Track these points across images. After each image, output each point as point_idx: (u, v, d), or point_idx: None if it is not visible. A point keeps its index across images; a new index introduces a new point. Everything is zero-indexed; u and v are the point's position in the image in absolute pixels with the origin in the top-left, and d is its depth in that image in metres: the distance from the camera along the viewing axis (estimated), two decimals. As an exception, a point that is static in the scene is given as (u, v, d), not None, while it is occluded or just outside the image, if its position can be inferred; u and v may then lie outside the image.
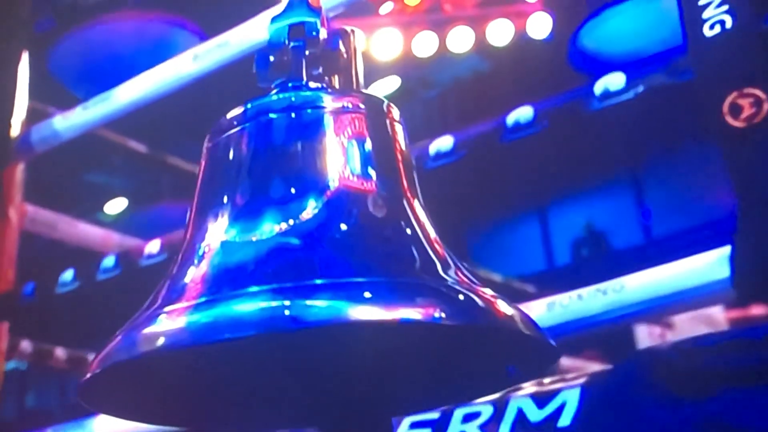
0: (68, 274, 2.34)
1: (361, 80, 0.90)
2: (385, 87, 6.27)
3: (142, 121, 2.72)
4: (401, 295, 0.69)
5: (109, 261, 2.30)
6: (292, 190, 0.77)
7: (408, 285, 0.71)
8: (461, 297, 0.72)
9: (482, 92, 6.33)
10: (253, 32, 2.26)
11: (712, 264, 1.51)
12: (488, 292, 0.75)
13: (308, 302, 0.67)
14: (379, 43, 5.53)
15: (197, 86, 2.42)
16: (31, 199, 2.81)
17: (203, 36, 4.81)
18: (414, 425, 1.36)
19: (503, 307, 0.74)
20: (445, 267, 0.77)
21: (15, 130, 2.68)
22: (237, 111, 0.83)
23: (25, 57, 2.83)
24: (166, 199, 6.60)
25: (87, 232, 3.07)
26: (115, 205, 7.45)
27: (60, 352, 3.20)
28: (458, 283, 0.74)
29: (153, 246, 2.24)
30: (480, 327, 0.73)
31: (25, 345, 3.04)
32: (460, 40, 5.76)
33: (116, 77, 2.64)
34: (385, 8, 5.67)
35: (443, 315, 0.69)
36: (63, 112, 2.67)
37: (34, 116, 2.79)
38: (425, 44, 5.73)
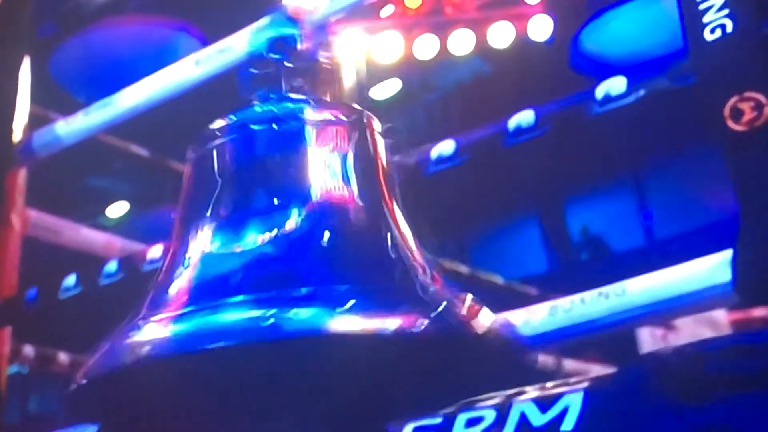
0: (71, 279, 2.35)
1: (349, 90, 0.91)
2: (386, 90, 6.27)
3: (144, 125, 2.72)
4: (380, 306, 0.70)
5: (111, 266, 2.30)
6: (275, 201, 0.78)
7: (387, 296, 0.72)
8: (438, 310, 0.72)
9: (483, 94, 6.34)
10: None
11: (714, 267, 1.51)
12: (469, 303, 0.75)
13: (289, 314, 0.67)
14: (380, 46, 5.53)
15: (199, 91, 2.42)
16: (34, 203, 2.81)
17: (205, 40, 4.82)
18: (417, 430, 1.35)
19: (483, 321, 0.74)
20: (424, 278, 0.77)
21: (17, 136, 2.69)
22: (220, 122, 0.84)
23: (27, 62, 2.83)
24: (168, 203, 6.59)
25: (90, 237, 3.07)
26: (117, 209, 7.45)
27: (63, 357, 3.20)
28: (437, 295, 0.74)
29: (155, 251, 2.24)
30: (459, 336, 0.73)
31: (28, 350, 3.04)
32: (461, 42, 5.76)
33: (118, 82, 2.65)
34: (386, 11, 5.67)
35: (419, 329, 0.69)
36: (65, 117, 2.67)
37: (36, 121, 2.79)
38: (426, 47, 5.73)
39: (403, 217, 0.82)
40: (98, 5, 5.09)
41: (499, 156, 2.01)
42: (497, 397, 1.05)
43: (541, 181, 7.08)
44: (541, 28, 5.77)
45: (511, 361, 0.76)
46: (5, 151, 2.68)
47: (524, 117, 1.85)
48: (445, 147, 1.94)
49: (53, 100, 3.63)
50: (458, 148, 1.93)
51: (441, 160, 1.93)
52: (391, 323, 0.68)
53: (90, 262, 2.61)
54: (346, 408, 0.82)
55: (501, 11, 5.81)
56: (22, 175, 2.72)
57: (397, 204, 0.82)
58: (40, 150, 2.65)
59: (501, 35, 5.76)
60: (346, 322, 0.67)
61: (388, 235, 0.78)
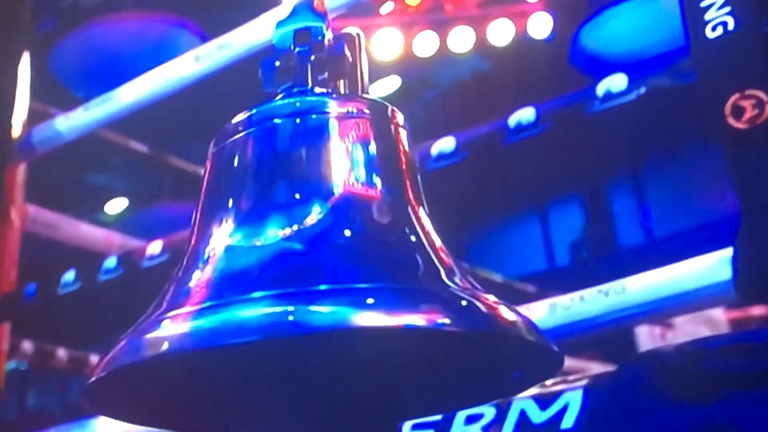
0: (70, 275, 2.34)
1: (366, 84, 0.90)
2: (385, 87, 6.27)
3: (144, 121, 2.72)
4: (405, 301, 0.69)
5: (110, 262, 2.30)
6: (297, 196, 0.77)
7: (412, 291, 0.71)
8: (465, 303, 0.72)
9: (483, 92, 6.34)
10: (255, 34, 2.26)
11: (714, 266, 1.51)
12: (492, 298, 0.75)
13: (312, 308, 0.66)
14: (379, 43, 5.53)
15: (198, 87, 2.42)
16: (32, 199, 2.81)
17: (204, 36, 4.81)
18: (416, 427, 1.35)
19: (507, 313, 0.74)
20: (450, 274, 0.76)
21: (16, 131, 2.69)
22: (242, 116, 0.83)
23: (26, 58, 2.83)
24: (167, 199, 6.60)
25: (89, 233, 3.07)
26: (116, 205, 7.45)
27: (61, 353, 3.20)
28: (462, 290, 0.74)
29: (155, 247, 2.24)
30: (483, 333, 0.72)
31: (27, 345, 3.04)
32: (461, 40, 5.76)
33: (117, 78, 2.64)
34: (386, 8, 5.67)
35: (447, 321, 0.68)
36: (63, 112, 2.67)
37: (35, 117, 2.79)
38: (426, 44, 5.73)
39: (426, 211, 0.82)
40: (98, 1, 5.08)
41: (498, 153, 2.01)
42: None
43: (539, 178, 7.08)
44: (540, 25, 5.77)
45: (541, 352, 0.76)
46: (4, 146, 2.68)
47: (525, 114, 1.85)
48: (446, 144, 1.94)
49: (52, 95, 3.63)
50: (458, 145, 1.93)
51: (441, 157, 1.93)
52: (415, 318, 0.67)
53: (89, 258, 2.61)
54: (368, 403, 0.82)
55: (501, 9, 5.81)
56: (21, 171, 2.72)
57: (422, 199, 0.82)
58: (39, 145, 2.65)
59: (501, 33, 5.76)
60: (369, 317, 0.66)
61: (412, 229, 0.77)
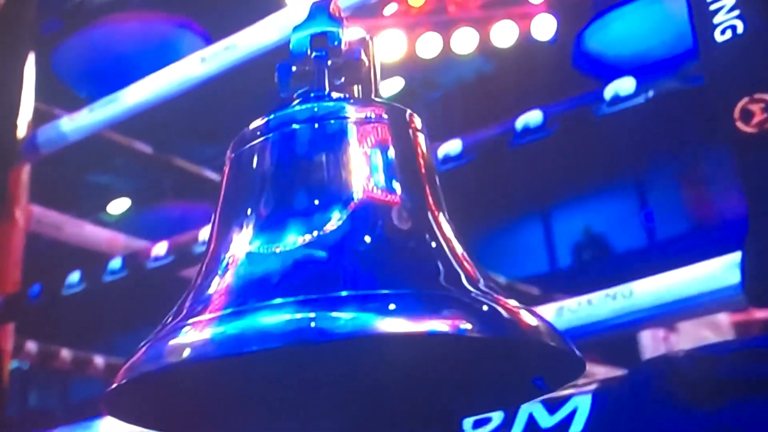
0: (75, 276, 2.34)
1: (379, 89, 0.90)
2: (388, 88, 6.27)
3: (146, 122, 2.72)
4: (427, 307, 0.69)
5: (115, 263, 2.29)
6: (316, 202, 0.77)
7: (434, 297, 0.71)
8: (487, 309, 0.71)
9: (486, 94, 6.33)
10: (261, 36, 2.26)
11: (722, 270, 1.51)
12: (513, 303, 0.74)
13: (334, 314, 0.66)
14: (383, 44, 5.53)
15: (202, 88, 2.42)
16: (36, 199, 2.81)
17: (207, 37, 4.82)
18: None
19: (529, 318, 0.74)
20: (471, 278, 0.76)
21: (21, 132, 2.68)
22: (260, 121, 0.83)
23: (31, 58, 2.83)
24: (169, 199, 6.60)
25: (93, 233, 3.07)
26: (118, 206, 7.46)
27: (65, 353, 3.20)
28: (484, 295, 0.74)
29: (160, 248, 2.23)
30: (506, 339, 0.72)
31: (31, 346, 3.04)
32: (464, 41, 5.76)
33: (120, 78, 2.64)
34: (389, 9, 5.67)
35: (469, 327, 0.68)
36: (67, 112, 2.67)
37: (39, 117, 2.79)
38: (429, 45, 5.73)
39: (446, 215, 0.81)
40: (102, 1, 5.09)
41: (505, 155, 2.00)
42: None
43: (544, 179, 7.08)
44: (544, 27, 5.78)
45: (563, 357, 0.75)
46: (9, 147, 2.68)
47: (532, 117, 1.84)
48: (452, 146, 1.93)
49: (56, 96, 3.63)
50: (465, 147, 1.92)
51: (448, 159, 1.92)
52: (439, 323, 0.67)
53: (94, 259, 2.61)
54: (390, 409, 0.82)
55: (504, 10, 5.81)
56: (25, 172, 2.72)
57: (441, 203, 0.82)
58: (44, 146, 2.65)
59: (504, 34, 5.76)
60: (391, 324, 0.66)
61: (433, 234, 0.77)
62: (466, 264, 0.77)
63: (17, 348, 2.79)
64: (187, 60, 2.40)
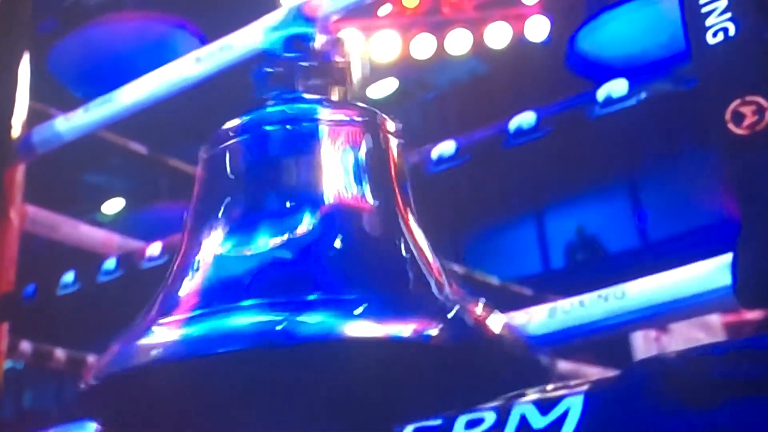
0: (69, 276, 2.34)
1: (357, 89, 0.90)
2: (383, 89, 6.27)
3: (141, 122, 2.72)
4: (394, 311, 0.69)
5: (110, 263, 2.29)
6: (288, 204, 0.77)
7: (400, 301, 0.71)
8: (451, 315, 0.72)
9: (480, 94, 6.35)
10: (256, 36, 2.26)
11: (714, 271, 1.51)
12: (481, 307, 0.75)
13: (301, 318, 0.67)
14: (377, 45, 5.54)
15: (197, 89, 2.42)
16: (30, 199, 2.81)
17: (203, 37, 4.82)
18: (417, 431, 1.35)
19: (494, 325, 0.74)
20: (439, 282, 0.77)
21: (16, 132, 2.68)
22: (233, 122, 0.83)
23: (26, 58, 2.82)
24: (164, 199, 6.60)
25: (88, 233, 3.07)
26: (113, 206, 7.45)
27: (60, 353, 3.20)
28: (451, 300, 0.74)
29: (154, 248, 2.23)
30: (469, 346, 0.73)
31: (25, 345, 3.04)
32: (459, 42, 5.77)
33: (116, 78, 2.64)
34: (384, 10, 5.68)
35: (433, 334, 0.69)
36: (62, 112, 2.67)
37: (34, 117, 2.78)
38: (423, 46, 5.74)
39: (416, 220, 0.82)
40: (98, 1, 5.08)
41: (499, 157, 2.01)
42: (499, 399, 1.05)
43: (537, 180, 7.09)
44: (538, 28, 5.79)
45: (527, 364, 0.76)
46: (4, 146, 2.67)
47: (525, 118, 1.85)
48: (446, 147, 1.94)
49: (52, 95, 3.63)
50: (459, 148, 1.93)
51: (441, 160, 1.93)
52: (405, 328, 0.68)
53: (88, 259, 2.61)
54: (358, 414, 0.82)
55: (498, 11, 5.82)
56: (20, 171, 2.72)
57: (411, 207, 0.82)
58: (39, 146, 2.65)
59: (498, 35, 5.78)
60: (359, 327, 0.67)
61: (402, 239, 0.77)
62: (434, 267, 0.78)
63: (12, 348, 2.79)
64: (183, 60, 2.41)
